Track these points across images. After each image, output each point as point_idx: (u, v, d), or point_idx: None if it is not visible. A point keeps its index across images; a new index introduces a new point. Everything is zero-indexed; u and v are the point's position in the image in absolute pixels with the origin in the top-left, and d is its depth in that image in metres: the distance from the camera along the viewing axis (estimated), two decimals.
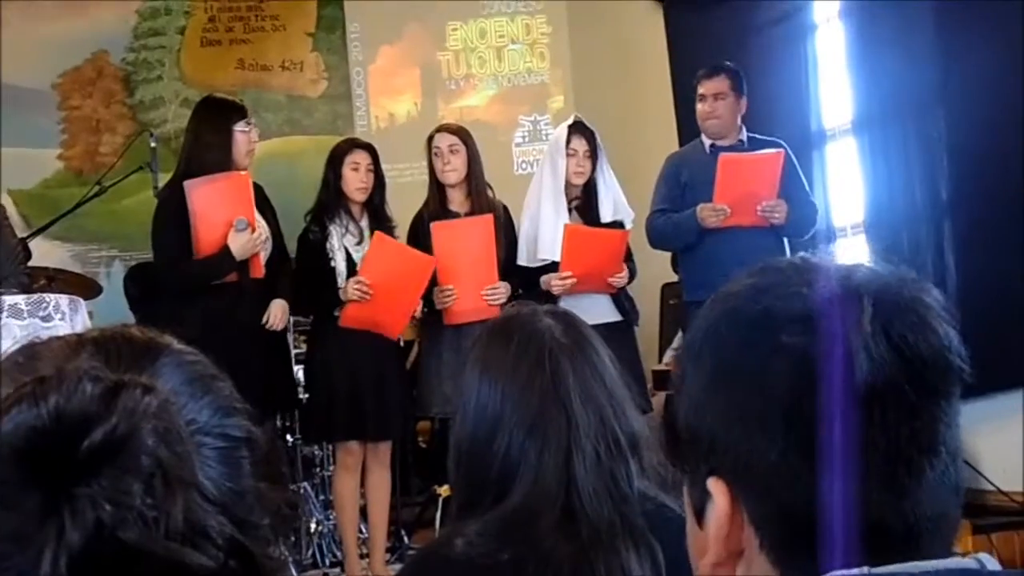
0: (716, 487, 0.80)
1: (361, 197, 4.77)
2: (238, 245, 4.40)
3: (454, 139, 4.83)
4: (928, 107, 4.94)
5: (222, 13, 7.30)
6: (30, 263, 4.67)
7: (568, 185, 4.83)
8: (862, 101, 5.39)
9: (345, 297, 4.62)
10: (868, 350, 0.77)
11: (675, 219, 4.86)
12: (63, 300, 3.69)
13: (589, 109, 5.58)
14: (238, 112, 4.61)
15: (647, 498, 1.61)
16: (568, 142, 4.82)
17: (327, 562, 5.21)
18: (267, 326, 4.56)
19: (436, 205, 4.85)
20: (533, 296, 4.71)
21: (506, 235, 4.83)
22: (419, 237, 4.77)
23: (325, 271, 4.68)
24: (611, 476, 1.59)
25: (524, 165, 7.10)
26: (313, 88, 7.40)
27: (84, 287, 4.92)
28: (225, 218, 4.41)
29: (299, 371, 5.08)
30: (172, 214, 4.44)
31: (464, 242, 4.75)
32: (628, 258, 4.88)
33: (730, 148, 4.88)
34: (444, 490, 4.96)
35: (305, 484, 5.42)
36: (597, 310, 4.58)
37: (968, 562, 0.78)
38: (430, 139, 4.89)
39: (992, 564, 0.79)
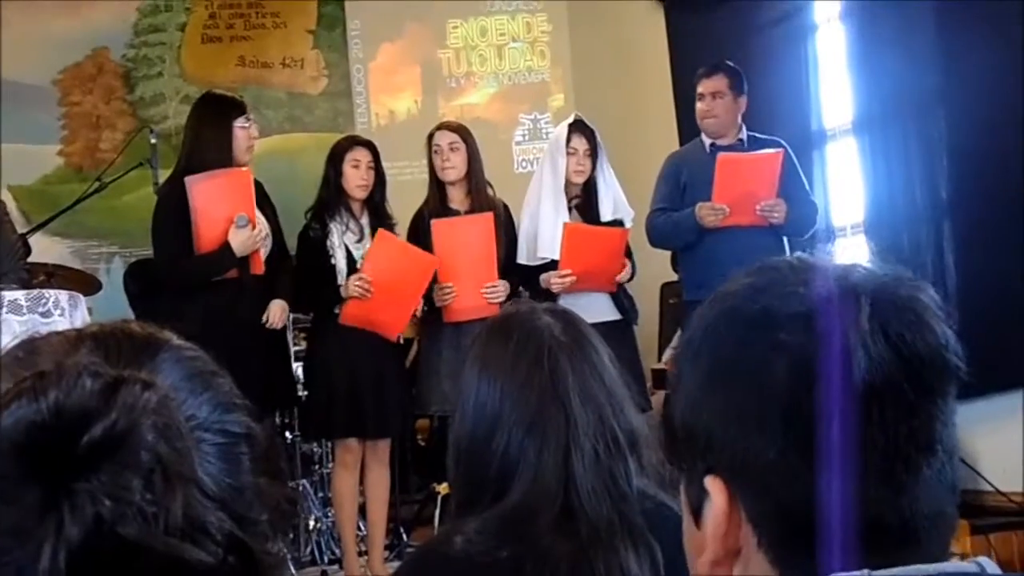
0: (714, 485, 0.80)
1: (362, 194, 4.77)
2: (239, 241, 4.40)
3: (454, 137, 4.83)
4: (928, 107, 4.94)
5: (223, 10, 7.30)
6: (30, 259, 4.67)
7: (568, 184, 4.84)
8: (862, 101, 5.39)
9: (346, 294, 4.62)
10: (866, 348, 0.77)
11: (675, 218, 4.86)
12: (63, 296, 3.69)
13: (589, 108, 5.58)
14: (237, 108, 4.61)
15: (646, 496, 1.61)
16: (568, 141, 4.82)
17: (326, 559, 5.21)
18: (267, 325, 4.56)
19: (436, 203, 4.85)
20: (534, 294, 4.72)
21: (506, 233, 4.83)
22: (419, 235, 4.77)
23: (325, 268, 4.68)
24: (610, 474, 1.59)
25: (524, 163, 7.10)
26: (314, 85, 7.40)
27: (84, 283, 4.93)
28: (226, 214, 4.41)
29: (298, 368, 5.08)
30: (172, 210, 4.44)
31: (464, 240, 4.75)
32: (627, 256, 4.89)
33: (730, 147, 4.88)
34: (443, 488, 4.97)
35: (304, 481, 5.43)
36: (596, 309, 4.59)
37: (968, 566, 0.78)
38: (430, 137, 4.89)
39: (992, 568, 0.79)
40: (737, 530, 0.80)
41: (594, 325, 1.81)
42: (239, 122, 4.54)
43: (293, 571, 4.84)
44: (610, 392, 1.64)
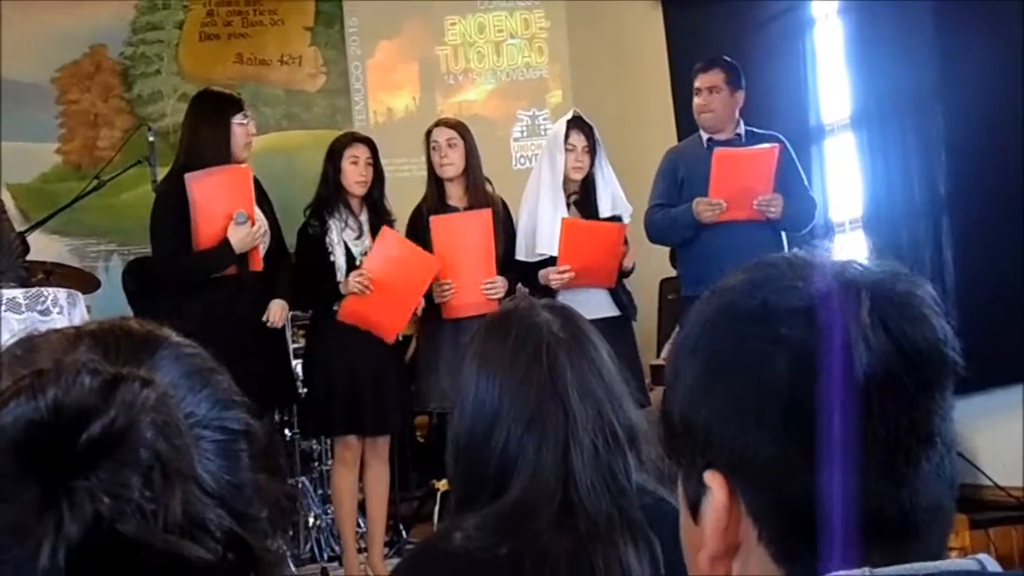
0: (714, 480, 0.80)
1: (360, 191, 4.76)
2: (238, 238, 4.40)
3: (452, 133, 4.83)
4: (927, 103, 4.94)
5: (220, 7, 7.29)
6: (28, 257, 4.66)
7: (567, 180, 4.84)
8: (861, 97, 5.39)
9: (345, 290, 4.62)
10: (867, 342, 0.77)
11: (672, 214, 4.86)
12: (61, 294, 3.69)
13: (587, 104, 5.58)
14: (235, 105, 4.60)
15: (645, 492, 1.61)
16: (567, 137, 4.82)
17: (325, 556, 5.22)
18: (267, 324, 4.56)
19: (434, 199, 4.85)
20: (533, 290, 4.72)
21: (504, 230, 4.83)
22: (418, 231, 4.78)
23: (324, 265, 4.68)
24: (609, 470, 1.59)
25: (522, 160, 7.10)
26: (312, 83, 7.40)
27: (82, 281, 4.92)
28: (225, 211, 4.41)
29: (298, 365, 5.08)
30: (171, 208, 4.44)
31: (462, 236, 4.75)
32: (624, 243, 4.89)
33: (727, 142, 4.88)
34: (442, 485, 4.97)
35: (303, 478, 5.43)
36: (595, 305, 4.58)
37: (968, 563, 0.79)
38: (428, 133, 4.89)
39: (992, 565, 0.79)
40: (737, 525, 0.80)
41: (593, 321, 1.81)
42: (237, 119, 4.54)
43: (293, 568, 4.85)
44: (609, 388, 1.64)
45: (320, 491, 5.48)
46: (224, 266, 4.44)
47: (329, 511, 5.23)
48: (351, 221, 4.76)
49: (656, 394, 5.20)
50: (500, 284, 4.72)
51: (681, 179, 4.92)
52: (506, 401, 1.61)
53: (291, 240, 4.81)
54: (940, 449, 0.79)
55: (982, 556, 0.80)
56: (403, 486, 5.74)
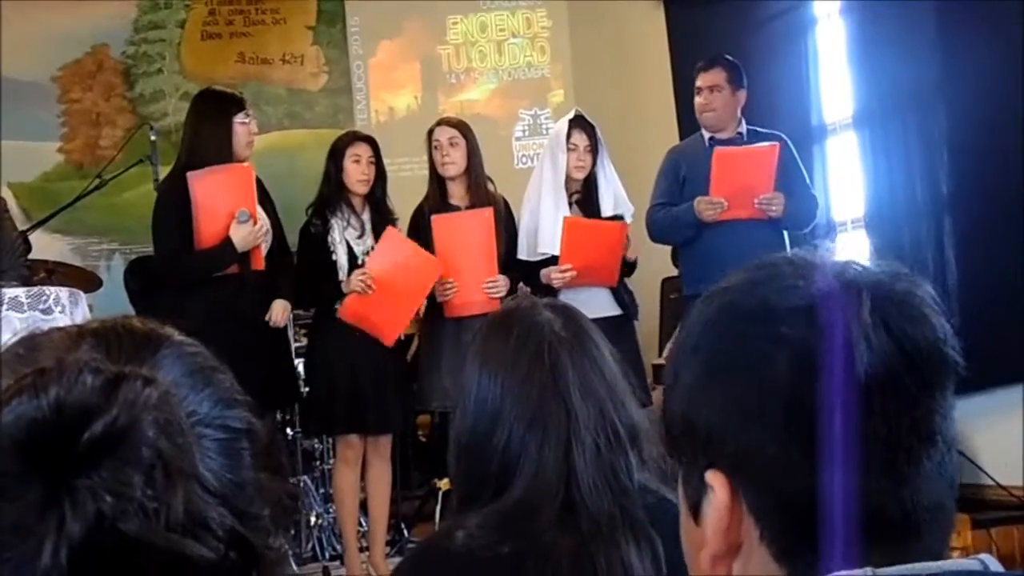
0: (715, 479, 0.80)
1: (363, 190, 4.76)
2: (240, 237, 4.40)
3: (454, 132, 4.83)
4: (929, 103, 4.94)
5: (222, 6, 7.30)
6: (30, 256, 4.67)
7: (568, 179, 4.83)
8: (863, 96, 5.39)
9: (347, 289, 4.62)
10: (868, 341, 0.77)
11: (674, 213, 4.86)
12: (63, 293, 3.69)
13: (589, 103, 5.58)
14: (237, 104, 4.60)
15: (648, 491, 1.61)
16: (569, 136, 4.81)
17: (327, 555, 5.22)
18: (270, 324, 4.57)
19: (436, 199, 4.85)
20: (535, 290, 4.72)
21: (506, 229, 4.83)
22: (419, 230, 4.77)
23: (327, 264, 4.68)
24: (611, 469, 1.59)
25: (524, 159, 7.10)
26: (313, 82, 7.40)
27: (84, 280, 4.93)
28: (227, 209, 4.41)
29: (300, 365, 5.08)
30: (173, 206, 4.44)
31: (464, 235, 4.75)
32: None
33: (729, 141, 4.88)
34: (444, 484, 4.97)
35: (305, 477, 5.43)
36: (597, 304, 4.58)
37: (971, 563, 0.79)
38: (430, 132, 4.89)
39: (994, 565, 0.79)
40: (739, 524, 0.80)
41: (595, 320, 1.81)
42: (239, 118, 4.54)
43: (294, 567, 4.85)
44: (611, 387, 1.64)
45: (322, 490, 5.48)
46: (226, 265, 4.44)
47: (331, 510, 5.23)
48: (353, 220, 4.76)
49: (658, 393, 5.20)
50: (502, 283, 4.71)
51: (683, 178, 4.92)
52: (508, 400, 1.61)
53: (293, 239, 4.81)
54: (941, 448, 0.79)
55: (984, 556, 0.80)
56: (405, 485, 5.74)
